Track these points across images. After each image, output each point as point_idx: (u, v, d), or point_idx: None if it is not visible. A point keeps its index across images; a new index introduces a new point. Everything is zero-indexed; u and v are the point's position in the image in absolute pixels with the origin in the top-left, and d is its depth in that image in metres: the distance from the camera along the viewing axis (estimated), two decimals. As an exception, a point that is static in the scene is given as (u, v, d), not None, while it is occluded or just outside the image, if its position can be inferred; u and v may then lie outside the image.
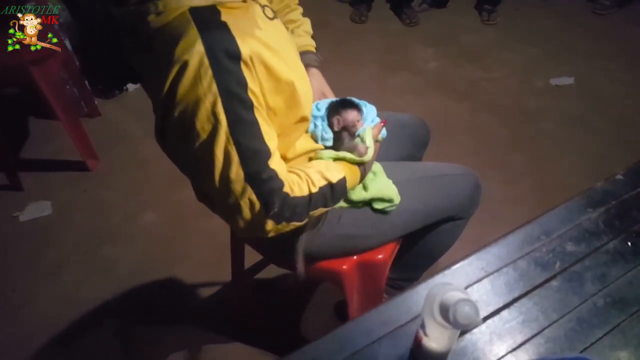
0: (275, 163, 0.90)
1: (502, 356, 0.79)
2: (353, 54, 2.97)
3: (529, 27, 3.27)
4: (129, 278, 1.84)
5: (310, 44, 1.26)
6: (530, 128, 2.46)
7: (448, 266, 0.92)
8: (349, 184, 1.02)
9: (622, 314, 0.84)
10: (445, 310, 0.66)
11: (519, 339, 0.81)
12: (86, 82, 2.56)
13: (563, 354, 0.79)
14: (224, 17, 0.84)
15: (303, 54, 1.22)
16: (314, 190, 0.95)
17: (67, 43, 2.38)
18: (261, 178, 0.87)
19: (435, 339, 0.71)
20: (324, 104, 1.15)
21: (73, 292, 1.81)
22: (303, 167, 1.00)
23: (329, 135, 1.12)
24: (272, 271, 1.57)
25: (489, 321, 0.84)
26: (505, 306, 0.86)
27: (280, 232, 0.96)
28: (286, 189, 0.91)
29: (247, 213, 0.90)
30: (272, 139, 0.90)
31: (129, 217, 2.09)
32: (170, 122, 0.86)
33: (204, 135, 0.84)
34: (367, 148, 1.04)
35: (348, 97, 1.15)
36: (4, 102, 2.64)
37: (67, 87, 2.47)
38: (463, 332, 0.81)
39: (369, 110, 1.15)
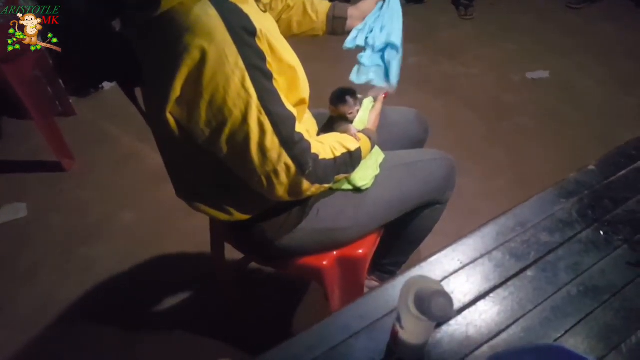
0: (299, 127, 0.94)
1: (478, 346, 0.79)
2: (331, 50, 2.93)
3: (505, 22, 3.32)
4: (107, 279, 1.82)
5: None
6: (507, 122, 2.50)
7: (425, 259, 0.92)
8: (363, 154, 1.09)
9: (595, 302, 0.86)
10: (420, 303, 0.67)
11: (495, 329, 0.82)
12: (60, 80, 2.51)
13: (538, 343, 0.80)
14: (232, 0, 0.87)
15: (335, 6, 1.28)
16: (338, 154, 1.02)
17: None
18: (293, 140, 0.92)
19: (411, 331, 0.72)
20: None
21: (50, 294, 1.78)
22: (321, 138, 1.06)
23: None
24: (255, 269, 1.57)
25: (465, 312, 0.84)
26: (481, 297, 0.86)
27: (315, 194, 1.04)
28: (314, 150, 0.96)
29: (284, 177, 0.94)
30: (290, 105, 0.94)
31: (107, 217, 2.06)
32: (196, 107, 0.87)
33: (236, 112, 0.86)
34: (357, 131, 1.12)
35: (346, 88, 1.20)
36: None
37: (41, 85, 2.41)
38: (439, 324, 0.82)
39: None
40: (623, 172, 1.11)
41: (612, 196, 1.05)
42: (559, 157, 2.26)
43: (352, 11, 1.28)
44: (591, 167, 1.12)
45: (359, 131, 1.12)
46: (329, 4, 1.30)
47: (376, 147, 1.23)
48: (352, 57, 1.28)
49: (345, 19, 1.28)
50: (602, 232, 0.98)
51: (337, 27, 1.30)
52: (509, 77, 2.82)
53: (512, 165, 2.24)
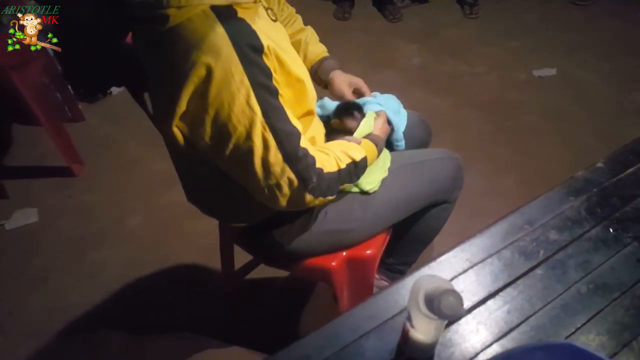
0: (304, 142, 0.95)
1: (489, 345, 0.80)
2: (336, 52, 2.95)
3: (510, 20, 3.30)
4: (116, 283, 1.83)
5: (325, 50, 1.32)
6: (513, 121, 2.49)
7: (434, 258, 0.93)
8: (368, 162, 1.09)
9: (605, 299, 0.85)
10: (430, 302, 0.67)
11: (505, 327, 0.82)
12: (69, 86, 2.53)
13: (548, 341, 0.80)
14: (240, 15, 0.87)
15: (325, 60, 1.29)
16: (342, 166, 1.02)
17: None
18: (297, 156, 0.93)
19: (421, 330, 0.72)
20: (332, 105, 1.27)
21: (60, 299, 1.80)
22: (327, 146, 1.06)
23: None
24: (263, 271, 1.57)
25: (475, 311, 0.84)
26: (491, 296, 0.86)
27: (317, 206, 1.07)
28: (318, 164, 0.96)
29: (287, 191, 0.95)
30: (296, 121, 0.95)
31: (115, 221, 2.07)
32: (201, 122, 0.88)
33: (240, 128, 0.87)
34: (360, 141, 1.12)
35: (351, 102, 1.22)
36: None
37: (50, 92, 2.43)
38: (450, 323, 0.82)
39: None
40: (632, 169, 1.10)
41: (621, 194, 1.05)
42: (566, 154, 2.25)
43: (334, 76, 1.28)
44: (599, 164, 1.12)
45: (364, 137, 1.12)
46: (320, 54, 1.30)
47: (384, 150, 1.23)
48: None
49: (324, 80, 1.30)
50: (611, 230, 0.97)
51: (316, 81, 1.30)
52: (515, 75, 2.81)
53: (518, 164, 2.23)
